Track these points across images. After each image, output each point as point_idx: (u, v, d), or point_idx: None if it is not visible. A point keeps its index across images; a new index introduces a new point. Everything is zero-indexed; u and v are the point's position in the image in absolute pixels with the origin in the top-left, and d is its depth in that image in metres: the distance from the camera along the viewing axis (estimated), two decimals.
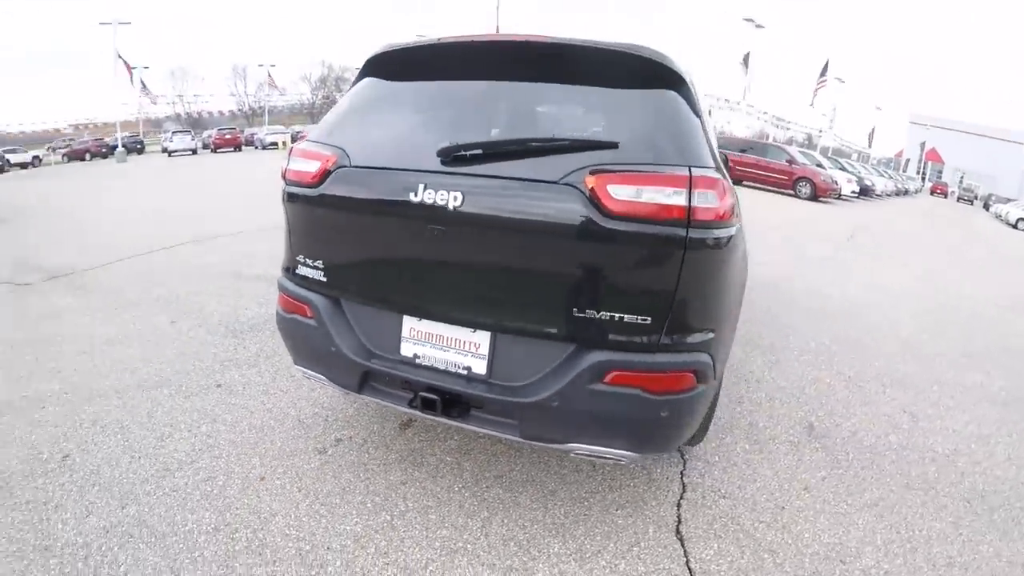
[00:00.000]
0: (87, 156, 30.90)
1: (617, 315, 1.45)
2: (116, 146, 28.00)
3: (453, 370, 1.66)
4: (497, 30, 23.08)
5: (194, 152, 29.12)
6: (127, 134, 34.06)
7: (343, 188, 1.71)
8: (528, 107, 1.77)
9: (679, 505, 2.03)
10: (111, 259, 5.27)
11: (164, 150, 30.24)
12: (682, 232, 1.39)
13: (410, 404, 1.69)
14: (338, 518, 1.87)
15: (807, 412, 2.84)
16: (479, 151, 1.53)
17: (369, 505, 1.94)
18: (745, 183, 16.87)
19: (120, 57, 28.81)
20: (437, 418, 1.68)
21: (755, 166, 16.37)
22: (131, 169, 19.67)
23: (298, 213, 1.87)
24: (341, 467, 2.15)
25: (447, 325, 1.66)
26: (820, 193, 15.13)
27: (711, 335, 1.57)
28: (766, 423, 2.70)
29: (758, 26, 28.61)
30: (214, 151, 29.44)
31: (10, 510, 1.89)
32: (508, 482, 2.08)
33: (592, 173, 1.42)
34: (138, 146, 33.79)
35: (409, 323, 1.72)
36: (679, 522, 1.94)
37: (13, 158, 27.65)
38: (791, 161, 15.85)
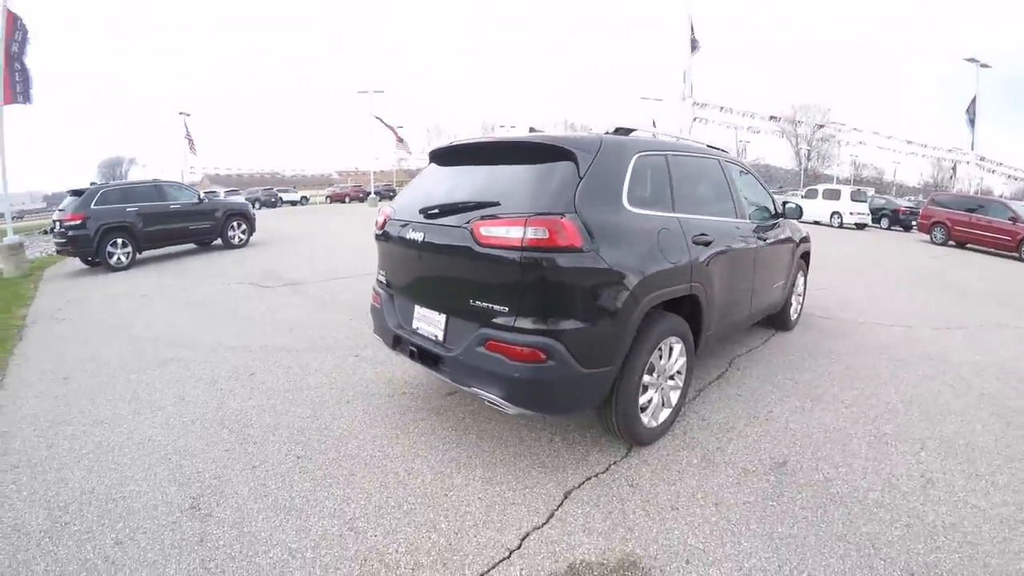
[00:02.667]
0: (346, 199, 38.32)
1: (491, 305, 2.33)
2: (371, 192, 35.23)
3: (430, 337, 2.70)
4: (694, 93, 23.53)
5: None
6: (381, 183, 42.30)
7: (389, 230, 2.96)
8: (480, 179, 2.66)
9: (588, 479, 2.49)
10: (328, 278, 7.71)
11: None
12: (517, 255, 2.19)
13: (409, 356, 2.76)
14: (373, 426, 3.07)
15: (791, 452, 2.74)
16: (436, 210, 2.59)
17: (392, 423, 3.08)
18: (969, 246, 14.23)
19: (378, 119, 34.26)
20: (422, 366, 2.68)
21: (976, 226, 13.70)
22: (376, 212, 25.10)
23: (377, 245, 3.18)
24: (394, 406, 3.33)
25: (429, 309, 2.73)
26: None
27: (566, 325, 2.22)
28: (736, 450, 2.75)
29: (983, 65, 23.14)
30: None
31: (212, 393, 3.63)
32: (485, 435, 2.95)
33: (472, 221, 2.36)
34: (391, 193, 40.62)
35: (417, 308, 2.83)
36: (576, 488, 2.43)
37: (285, 196, 35.61)
38: (1015, 219, 12.82)
